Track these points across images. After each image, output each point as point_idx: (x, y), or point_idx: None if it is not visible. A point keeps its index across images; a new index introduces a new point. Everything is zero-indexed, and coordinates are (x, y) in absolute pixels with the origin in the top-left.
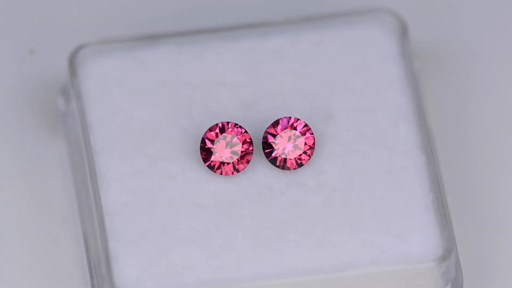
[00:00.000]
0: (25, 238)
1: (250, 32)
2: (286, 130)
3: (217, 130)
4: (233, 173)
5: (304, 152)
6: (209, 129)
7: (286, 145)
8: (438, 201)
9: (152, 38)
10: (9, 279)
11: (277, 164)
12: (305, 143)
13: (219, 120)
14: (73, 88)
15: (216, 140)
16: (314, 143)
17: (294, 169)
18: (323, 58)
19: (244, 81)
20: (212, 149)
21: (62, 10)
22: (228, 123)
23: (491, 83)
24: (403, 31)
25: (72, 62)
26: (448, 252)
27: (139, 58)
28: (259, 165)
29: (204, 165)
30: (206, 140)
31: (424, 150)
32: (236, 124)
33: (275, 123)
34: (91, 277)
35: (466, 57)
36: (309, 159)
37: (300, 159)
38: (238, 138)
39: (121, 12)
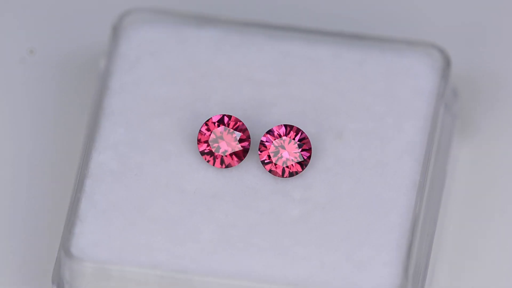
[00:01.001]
0: (37, 182)
1: (296, 35)
2: (285, 137)
3: (219, 121)
4: (223, 167)
5: (298, 163)
6: (212, 118)
7: (283, 152)
8: (413, 242)
9: (200, 19)
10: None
11: (269, 168)
12: (301, 155)
13: (233, 113)
14: (109, 50)
15: (215, 130)
16: (310, 157)
17: (284, 177)
18: (358, 77)
19: (272, 81)
20: (209, 139)
21: None
22: (231, 117)
23: None
24: (445, 70)
25: (117, 26)
26: None
27: (181, 36)
28: (252, 166)
29: (199, 153)
30: (206, 128)
31: (418, 190)
32: (239, 120)
33: (277, 128)
34: (63, 234)
35: (508, 94)
36: (301, 171)
37: (292, 168)
38: (237, 133)
39: None
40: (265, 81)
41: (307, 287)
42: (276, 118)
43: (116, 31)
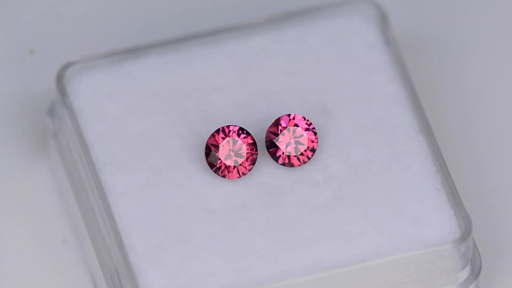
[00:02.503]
0: (26, 265)
1: (232, 34)
2: (287, 127)
3: (220, 135)
4: (239, 176)
5: (308, 148)
6: (212, 134)
7: (289, 142)
8: (448, 181)
9: (137, 50)
10: None
11: (282, 162)
12: (308, 139)
13: (216, 125)
14: (65, 107)
15: (220, 144)
16: (316, 138)
17: (299, 165)
18: (308, 53)
19: (234, 83)
20: (217, 154)
21: (44, 29)
22: (229, 126)
23: (472, 65)
24: (383, 19)
25: (60, 81)
26: (467, 232)
27: (127, 71)
28: (264, 165)
29: (209, 170)
30: (211, 146)
31: (423, 133)
32: (238, 127)
33: (276, 122)
34: None
35: (445, 41)
36: (313, 154)
37: (304, 155)
38: (241, 140)
39: (102, 27)
40: (228, 86)
41: (378, 257)
42: (259, 115)
43: (62, 87)
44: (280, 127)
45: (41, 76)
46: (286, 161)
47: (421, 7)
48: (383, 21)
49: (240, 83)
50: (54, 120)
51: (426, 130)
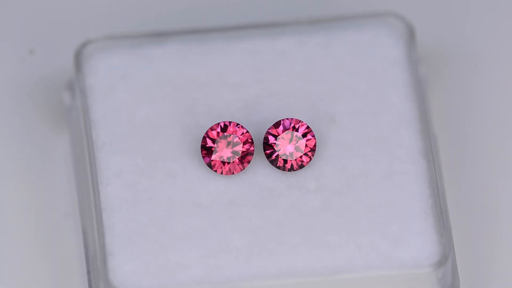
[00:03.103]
0: (27, 232)
1: (257, 32)
2: (287, 131)
3: (219, 130)
4: (233, 173)
5: (305, 154)
6: (210, 128)
7: (287, 146)
8: (437, 207)
9: (159, 36)
10: (11, 272)
11: (278, 165)
12: (306, 145)
13: (222, 120)
14: (77, 83)
15: (217, 139)
16: (315, 145)
17: (294, 170)
18: (329, 60)
19: (248, 81)
20: (213, 148)
21: (69, 5)
22: (230, 122)
23: (497, 88)
24: (410, 36)
25: (78, 58)
26: (445, 258)
27: (145, 55)
28: (259, 166)
29: (205, 164)
30: (207, 139)
31: (425, 155)
32: (237, 124)
33: (277, 124)
34: (88, 272)
35: (473, 61)
36: (310, 161)
37: (301, 160)
38: (239, 138)
39: (128, 8)
40: (241, 83)
41: (352, 272)
42: (265, 116)
43: (78, 63)
44: (280, 130)
45: (67, 52)
46: (281, 164)
47: (452, 24)
48: (410, 37)
49: (254, 81)
50: (70, 95)
51: (429, 153)
